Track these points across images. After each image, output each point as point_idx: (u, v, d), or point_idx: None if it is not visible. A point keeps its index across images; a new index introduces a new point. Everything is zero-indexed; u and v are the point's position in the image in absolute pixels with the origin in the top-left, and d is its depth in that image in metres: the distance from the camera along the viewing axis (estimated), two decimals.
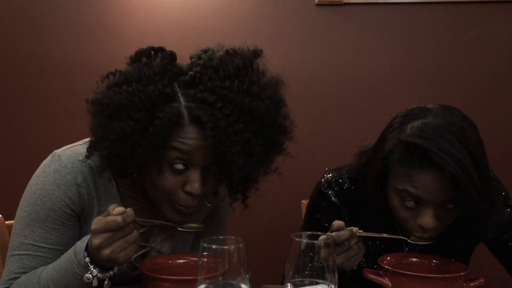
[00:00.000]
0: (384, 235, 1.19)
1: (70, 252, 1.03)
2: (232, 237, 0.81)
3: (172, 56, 1.09)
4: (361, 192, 1.27)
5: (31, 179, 1.15)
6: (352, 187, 1.34)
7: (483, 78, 2.22)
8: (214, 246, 0.78)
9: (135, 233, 0.98)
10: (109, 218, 0.94)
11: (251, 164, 1.04)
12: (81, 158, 1.13)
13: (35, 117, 2.26)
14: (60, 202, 1.10)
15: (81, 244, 1.01)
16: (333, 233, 1.09)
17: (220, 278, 0.78)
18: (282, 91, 1.14)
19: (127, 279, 1.21)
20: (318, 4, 2.24)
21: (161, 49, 1.09)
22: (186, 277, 1.00)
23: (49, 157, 1.15)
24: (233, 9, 2.23)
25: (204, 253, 0.79)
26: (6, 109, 2.29)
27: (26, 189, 1.15)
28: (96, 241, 0.95)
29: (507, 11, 2.21)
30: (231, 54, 1.07)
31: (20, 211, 1.14)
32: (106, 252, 0.95)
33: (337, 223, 1.11)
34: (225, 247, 0.78)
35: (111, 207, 0.96)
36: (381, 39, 2.25)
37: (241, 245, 0.79)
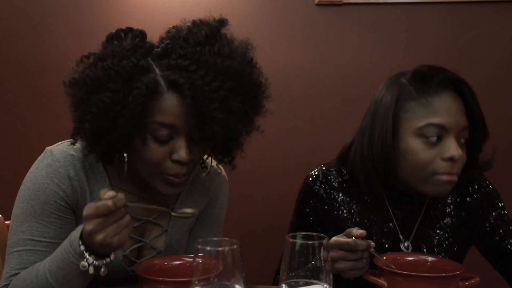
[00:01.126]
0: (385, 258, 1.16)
1: (65, 242, 1.03)
2: (227, 239, 0.82)
3: (142, 33, 1.12)
4: (353, 182, 1.30)
5: (25, 177, 1.17)
6: (340, 179, 1.34)
7: (483, 78, 2.22)
8: (208, 248, 0.79)
9: (127, 217, 0.99)
10: (100, 203, 0.95)
11: (231, 120, 1.06)
12: (72, 153, 1.15)
13: (35, 117, 2.27)
14: (54, 195, 1.12)
15: (76, 233, 1.01)
16: (352, 240, 1.08)
17: (215, 280, 0.79)
18: (253, 53, 1.17)
19: (123, 277, 1.22)
20: (318, 4, 2.24)
21: (130, 29, 1.12)
22: (181, 279, 1.00)
23: (41, 154, 1.17)
24: (233, 9, 2.23)
25: (199, 255, 0.79)
26: (6, 109, 2.30)
27: (21, 187, 1.16)
28: (89, 227, 0.95)
29: (507, 11, 2.21)
30: (198, 24, 1.12)
31: (16, 209, 1.15)
32: (99, 237, 0.95)
33: (360, 231, 1.09)
34: (220, 248, 0.79)
35: (102, 192, 0.96)
36: (381, 39, 2.25)
37: (235, 247, 0.79)
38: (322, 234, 0.89)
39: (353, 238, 1.09)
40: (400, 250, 1.29)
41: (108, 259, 1.02)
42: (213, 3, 2.24)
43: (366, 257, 1.11)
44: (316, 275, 0.87)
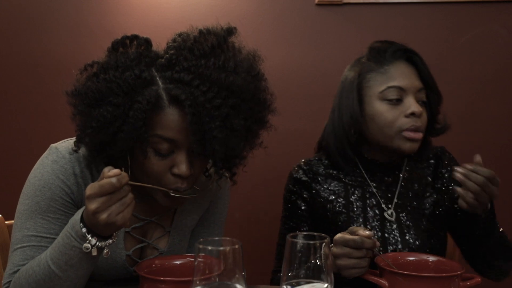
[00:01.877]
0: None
1: (66, 227, 1.02)
2: (228, 238, 0.82)
3: (147, 42, 1.11)
4: (332, 164, 1.45)
5: (29, 174, 1.16)
6: (320, 165, 1.47)
7: (482, 78, 2.22)
8: (209, 247, 0.79)
9: (130, 195, 0.98)
10: (104, 181, 0.93)
11: (232, 139, 1.05)
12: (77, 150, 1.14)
13: (35, 117, 2.27)
14: (60, 191, 1.11)
15: (76, 216, 1.00)
16: (359, 237, 1.10)
17: (216, 279, 0.79)
18: (260, 65, 1.15)
19: (125, 277, 1.22)
20: (318, 4, 2.24)
21: (136, 37, 1.11)
22: (182, 278, 1.00)
23: (46, 151, 1.17)
24: (233, 9, 2.23)
25: (200, 254, 0.79)
26: (6, 109, 2.29)
27: (25, 184, 1.16)
28: (93, 206, 0.94)
29: (506, 11, 2.21)
30: (204, 33, 1.09)
31: (20, 206, 1.14)
32: (103, 216, 0.94)
33: (367, 231, 1.11)
34: (221, 248, 0.79)
35: (106, 169, 0.95)
36: (381, 38, 2.24)
37: (236, 246, 0.79)
38: (323, 234, 0.89)
39: (360, 237, 1.10)
40: (385, 219, 1.38)
41: (110, 240, 1.01)
42: (213, 3, 2.24)
43: (370, 256, 1.12)
44: (317, 275, 0.87)
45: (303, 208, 1.45)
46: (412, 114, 1.32)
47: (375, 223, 1.38)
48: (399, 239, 1.36)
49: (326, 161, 1.47)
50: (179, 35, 1.12)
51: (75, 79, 1.09)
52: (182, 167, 1.07)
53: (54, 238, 1.09)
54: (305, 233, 0.90)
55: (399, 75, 1.35)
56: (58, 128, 2.33)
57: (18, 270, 1.10)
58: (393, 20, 2.25)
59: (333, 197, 1.42)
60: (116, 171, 0.94)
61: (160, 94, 1.03)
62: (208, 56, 1.05)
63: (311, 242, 0.87)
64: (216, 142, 1.03)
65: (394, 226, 1.38)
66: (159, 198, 1.13)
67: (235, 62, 1.07)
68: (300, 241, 0.87)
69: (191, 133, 1.03)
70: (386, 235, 1.36)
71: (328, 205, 1.42)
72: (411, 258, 1.20)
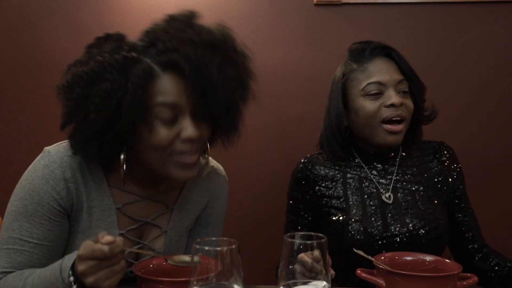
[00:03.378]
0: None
1: (56, 266, 1.03)
2: (225, 239, 0.82)
3: (121, 35, 1.15)
4: (331, 156, 1.52)
5: (22, 175, 1.17)
6: (321, 159, 1.55)
7: (481, 78, 2.22)
8: (207, 248, 0.79)
9: (122, 263, 0.98)
10: (96, 246, 0.94)
11: (230, 85, 1.10)
12: (70, 153, 1.15)
13: (33, 117, 2.27)
14: (48, 197, 1.12)
15: (68, 261, 1.01)
16: (310, 261, 1.02)
17: (214, 280, 0.79)
18: (229, 30, 1.21)
19: (121, 278, 1.22)
20: (316, 4, 2.24)
21: (108, 35, 1.15)
22: (180, 279, 1.00)
23: (40, 154, 1.18)
24: (232, 9, 2.23)
25: (198, 255, 0.80)
26: (4, 108, 2.30)
27: (17, 184, 1.17)
28: (81, 267, 0.95)
29: (505, 11, 2.21)
30: (172, 16, 1.16)
31: (10, 206, 1.16)
32: (90, 279, 0.95)
33: (315, 254, 1.03)
34: (218, 248, 0.79)
35: (100, 235, 0.95)
36: (380, 39, 2.22)
37: (233, 247, 0.80)
38: (320, 234, 0.90)
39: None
40: (383, 202, 1.45)
41: None
42: (211, 3, 2.24)
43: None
44: (314, 275, 0.88)
45: (307, 201, 1.52)
46: (392, 105, 1.41)
47: (373, 207, 1.44)
48: (398, 221, 1.41)
49: (325, 155, 1.56)
50: (148, 27, 1.16)
51: (62, 79, 1.11)
52: (190, 130, 1.09)
53: (37, 243, 1.12)
54: (302, 233, 0.91)
55: (378, 71, 1.44)
56: (56, 128, 2.33)
57: (2, 272, 1.13)
58: (391, 20, 2.25)
59: (335, 184, 1.50)
60: (109, 238, 0.94)
61: (151, 66, 1.07)
62: (183, 28, 1.11)
63: (308, 242, 0.87)
64: (216, 88, 1.07)
65: (392, 208, 1.44)
66: (173, 172, 1.13)
67: (208, 29, 1.13)
68: (297, 241, 0.88)
69: (190, 91, 1.07)
70: (387, 218, 1.42)
71: (330, 192, 1.50)
72: (408, 258, 1.20)
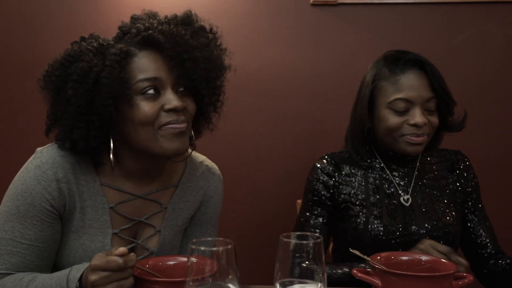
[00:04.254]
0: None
1: (62, 276, 1.04)
2: (221, 239, 0.82)
3: (95, 35, 1.18)
4: (355, 155, 1.53)
5: (15, 176, 1.17)
6: (344, 156, 1.55)
7: (476, 78, 2.23)
8: (202, 248, 0.79)
9: (131, 279, 1.00)
10: (111, 258, 0.96)
11: (206, 50, 1.15)
12: (62, 154, 1.15)
13: (27, 117, 2.26)
14: (40, 197, 1.12)
15: (76, 273, 1.02)
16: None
17: (209, 280, 0.79)
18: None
19: None
20: (313, 4, 2.25)
21: (83, 38, 1.18)
22: (176, 279, 1.00)
23: (32, 155, 1.18)
24: (228, 9, 2.23)
25: (193, 255, 0.80)
26: (3, 109, 2.30)
27: (10, 185, 1.17)
28: (93, 277, 0.96)
29: (501, 12, 2.21)
30: (137, 15, 1.24)
31: (2, 206, 1.16)
32: None
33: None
34: (214, 248, 0.79)
35: (113, 248, 0.98)
36: (376, 39, 2.26)
37: (229, 247, 0.80)
38: (316, 235, 0.90)
39: None
40: (402, 204, 1.47)
41: None
42: (208, 3, 2.24)
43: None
44: (310, 275, 0.88)
45: (326, 195, 1.51)
46: (415, 124, 1.40)
47: (393, 206, 1.46)
48: (416, 222, 1.43)
49: (348, 153, 1.56)
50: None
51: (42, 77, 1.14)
52: (173, 101, 1.11)
53: (29, 244, 1.13)
54: (298, 233, 0.91)
55: (408, 87, 1.42)
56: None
57: None
58: (387, 20, 2.26)
59: (355, 183, 1.51)
60: (123, 249, 0.97)
61: (127, 48, 1.11)
62: (153, 16, 1.21)
63: (304, 242, 0.87)
64: (193, 53, 1.12)
65: (411, 209, 1.46)
66: (165, 145, 1.13)
67: (175, 14, 1.20)
68: (293, 241, 0.88)
69: (169, 61, 1.11)
70: (405, 218, 1.44)
71: (350, 190, 1.50)
72: (404, 258, 1.20)
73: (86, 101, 1.08)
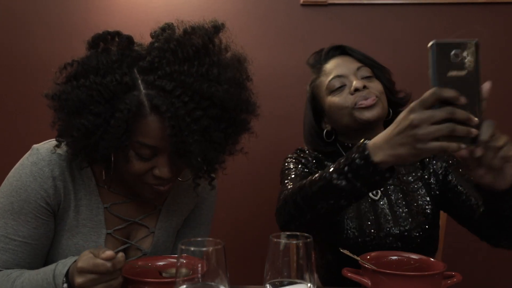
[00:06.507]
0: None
1: (49, 272, 1.03)
2: (211, 239, 0.82)
3: (129, 40, 1.08)
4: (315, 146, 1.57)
5: (9, 173, 1.16)
6: (312, 152, 1.58)
7: None
8: (192, 248, 0.79)
9: (120, 279, 0.99)
10: (99, 261, 0.94)
11: (211, 152, 1.05)
12: (59, 152, 1.14)
13: (22, 117, 2.25)
14: (35, 194, 1.11)
15: (62, 268, 1.01)
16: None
17: (199, 280, 0.79)
18: (245, 67, 1.14)
19: None
20: (303, 4, 2.25)
21: (118, 33, 1.08)
22: (165, 279, 1.00)
23: (28, 152, 1.17)
24: (218, 9, 2.23)
25: (183, 255, 0.79)
26: (2, 109, 2.29)
27: (4, 181, 1.16)
28: (80, 280, 0.95)
29: (489, 13, 2.23)
30: (189, 33, 1.07)
31: None
32: None
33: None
34: (204, 249, 0.79)
35: (101, 250, 0.96)
36: (366, 39, 2.26)
37: (219, 247, 0.80)
38: (306, 234, 0.90)
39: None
40: (375, 201, 1.45)
41: None
42: (198, 2, 2.24)
43: None
44: (300, 275, 0.88)
45: (306, 165, 1.54)
46: (356, 89, 1.44)
47: (365, 204, 1.44)
48: (390, 219, 1.42)
49: (315, 153, 1.59)
50: (163, 30, 1.09)
51: (54, 77, 1.07)
52: (164, 170, 1.08)
53: (22, 241, 1.12)
54: (288, 233, 0.91)
55: (335, 67, 1.51)
56: (45, 128, 2.32)
57: None
58: (377, 20, 2.27)
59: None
60: (110, 254, 0.95)
61: (141, 101, 1.01)
62: (191, 60, 1.03)
63: (294, 241, 0.87)
64: (193, 156, 1.03)
65: (385, 207, 1.44)
66: (144, 193, 1.15)
67: (219, 69, 1.05)
68: (283, 241, 0.88)
69: (170, 145, 1.03)
70: (380, 218, 1.43)
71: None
72: (394, 257, 1.21)
73: (83, 150, 1.07)
